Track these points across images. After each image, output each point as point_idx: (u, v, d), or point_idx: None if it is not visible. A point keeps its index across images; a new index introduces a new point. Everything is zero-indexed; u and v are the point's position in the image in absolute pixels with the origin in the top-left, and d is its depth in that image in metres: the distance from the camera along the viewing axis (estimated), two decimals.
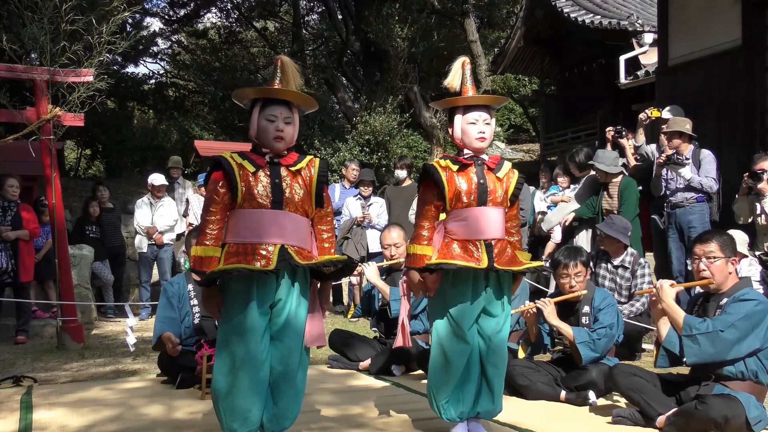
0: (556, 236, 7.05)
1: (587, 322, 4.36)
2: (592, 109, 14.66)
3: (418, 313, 5.13)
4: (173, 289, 4.90)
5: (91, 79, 6.65)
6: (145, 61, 24.21)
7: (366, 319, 6.39)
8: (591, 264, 4.95)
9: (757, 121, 7.28)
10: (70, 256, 7.13)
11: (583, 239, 6.46)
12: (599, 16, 13.39)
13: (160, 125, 21.88)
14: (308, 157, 3.21)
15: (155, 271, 8.96)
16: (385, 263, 5.45)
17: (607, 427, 3.70)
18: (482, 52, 18.65)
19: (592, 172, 6.59)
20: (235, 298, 3.01)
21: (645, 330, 5.35)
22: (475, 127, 3.30)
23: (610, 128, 7.00)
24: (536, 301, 4.50)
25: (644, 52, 12.26)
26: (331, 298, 8.48)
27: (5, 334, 7.18)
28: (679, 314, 3.56)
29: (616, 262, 5.57)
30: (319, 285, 3.28)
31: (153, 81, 23.04)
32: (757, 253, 5.60)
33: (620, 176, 6.38)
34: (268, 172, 3.06)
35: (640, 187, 6.44)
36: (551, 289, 5.59)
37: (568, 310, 4.43)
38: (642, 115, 6.79)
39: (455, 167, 3.29)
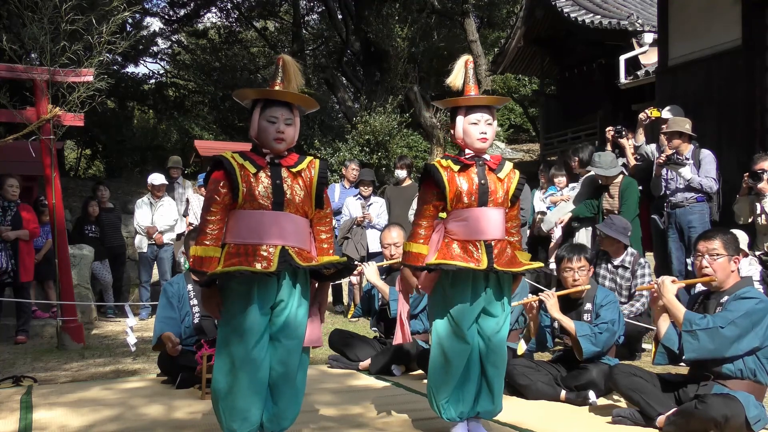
0: (557, 236, 7.04)
1: (589, 318, 4.37)
2: (592, 109, 14.66)
3: (417, 312, 5.13)
4: (173, 289, 4.90)
5: (91, 79, 6.65)
6: (145, 61, 24.27)
7: (366, 319, 6.39)
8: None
9: (757, 121, 7.29)
10: (70, 256, 7.13)
11: (583, 238, 6.46)
12: (599, 16, 13.39)
13: (160, 125, 21.89)
14: (308, 158, 3.20)
15: (155, 271, 8.96)
16: (385, 263, 5.45)
17: (607, 427, 3.70)
18: (482, 52, 18.66)
19: (592, 172, 6.60)
20: (235, 299, 3.01)
21: (645, 330, 5.35)
22: (477, 128, 3.30)
23: (610, 128, 7.00)
24: (539, 293, 4.52)
25: (644, 52, 12.26)
26: (330, 298, 8.51)
27: (5, 334, 7.18)
28: (680, 310, 3.57)
29: (616, 262, 5.57)
30: (317, 285, 3.28)
31: (153, 81, 23.07)
32: (757, 252, 5.61)
33: (620, 176, 6.38)
34: (269, 173, 3.06)
35: (640, 187, 6.44)
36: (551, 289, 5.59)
37: (570, 307, 4.45)
38: (642, 115, 6.79)
39: (456, 167, 3.29)
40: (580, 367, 4.25)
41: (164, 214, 8.74)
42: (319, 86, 20.80)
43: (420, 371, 5.02)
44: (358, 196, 8.31)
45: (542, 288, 6.14)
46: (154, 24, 31.51)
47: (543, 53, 16.56)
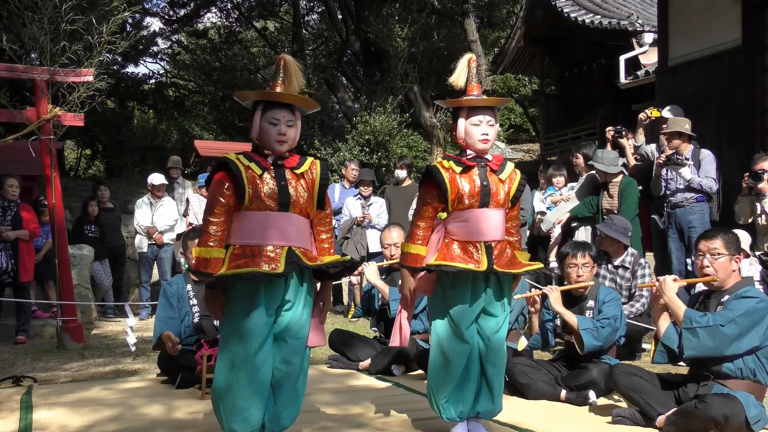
0: (556, 235, 7.04)
1: (591, 315, 4.39)
2: (592, 109, 14.66)
3: (417, 313, 5.13)
4: (172, 289, 4.91)
5: (91, 79, 6.65)
6: (145, 61, 24.26)
7: (366, 319, 6.39)
8: None
9: (757, 121, 7.28)
10: (70, 256, 7.13)
11: (582, 238, 6.46)
12: (599, 16, 13.39)
13: (160, 125, 21.89)
14: (309, 159, 3.21)
15: (155, 271, 8.97)
16: (385, 263, 5.45)
17: (607, 427, 3.70)
18: (482, 52, 18.65)
19: (592, 171, 6.60)
20: (240, 300, 3.01)
21: (645, 330, 5.35)
22: (479, 129, 3.29)
23: (610, 128, 7.00)
24: (543, 287, 4.53)
25: (644, 52, 12.26)
26: (331, 298, 8.50)
27: (5, 334, 7.18)
28: (681, 308, 3.58)
29: (617, 262, 5.57)
30: (319, 285, 3.28)
31: (153, 81, 23.07)
32: (758, 253, 5.60)
33: (620, 176, 6.39)
34: (274, 175, 3.07)
35: (640, 187, 6.44)
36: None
37: (573, 303, 4.47)
38: (642, 115, 6.79)
39: (459, 169, 3.28)
40: (581, 367, 4.25)
41: (164, 214, 8.75)
42: (319, 86, 20.80)
43: (420, 371, 5.02)
44: (358, 196, 8.31)
45: (541, 288, 6.14)
46: (154, 24, 31.55)
47: (543, 53, 16.56)
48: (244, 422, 3.02)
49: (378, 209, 8.19)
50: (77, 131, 16.03)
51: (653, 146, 6.69)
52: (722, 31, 7.74)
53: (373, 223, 8.06)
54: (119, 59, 19.67)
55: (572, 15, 13.68)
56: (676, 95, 8.11)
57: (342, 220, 8.21)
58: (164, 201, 8.81)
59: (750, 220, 5.81)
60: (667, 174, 6.29)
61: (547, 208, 7.40)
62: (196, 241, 4.75)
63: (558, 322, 4.50)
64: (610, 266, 5.58)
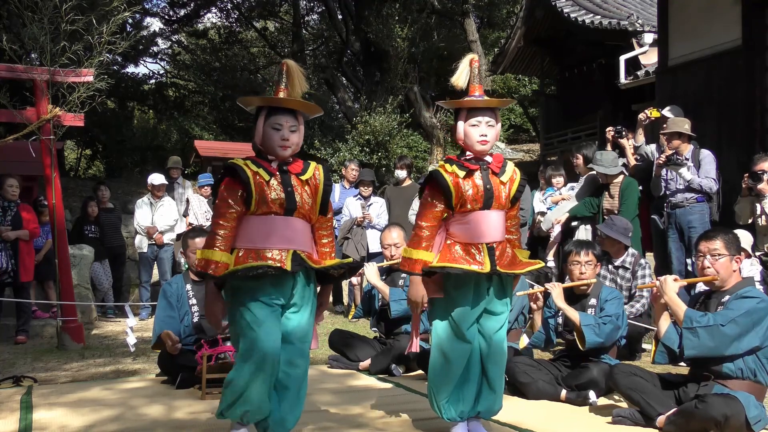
0: (555, 235, 7.04)
1: (593, 313, 4.40)
2: (592, 109, 14.66)
3: None
4: (172, 289, 4.91)
5: (91, 79, 6.65)
6: (145, 61, 24.23)
7: (366, 319, 6.39)
8: None
9: (757, 121, 7.28)
10: (70, 256, 7.13)
11: (582, 236, 6.46)
12: (599, 16, 13.39)
13: (160, 125, 21.89)
14: (312, 165, 3.24)
15: (155, 271, 8.96)
16: (385, 263, 5.45)
17: (607, 427, 3.70)
18: (482, 52, 18.65)
19: (593, 171, 6.60)
20: (247, 293, 3.00)
21: (645, 330, 5.35)
22: (477, 130, 3.28)
23: (610, 128, 7.00)
24: (545, 284, 4.54)
25: (644, 52, 12.25)
26: (330, 298, 8.50)
27: (5, 334, 7.18)
28: (681, 307, 3.58)
29: (617, 262, 5.57)
30: (320, 288, 3.30)
31: (153, 81, 23.08)
32: (758, 253, 5.60)
33: (621, 176, 6.39)
34: (280, 180, 3.09)
35: (640, 187, 6.44)
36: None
37: (575, 301, 4.47)
38: (641, 116, 6.79)
39: (462, 173, 3.26)
40: (581, 366, 4.25)
41: (164, 214, 8.75)
42: (319, 86, 20.79)
43: (420, 371, 5.02)
44: (358, 196, 8.31)
45: (543, 285, 6.15)
46: (154, 24, 31.52)
47: (543, 53, 16.55)
48: (256, 410, 3.05)
49: (378, 209, 8.19)
50: (77, 131, 16.03)
51: (653, 146, 6.69)
52: (722, 31, 7.74)
53: (373, 223, 8.06)
54: (119, 59, 19.67)
55: (572, 15, 13.68)
56: (676, 95, 8.10)
57: (342, 220, 8.21)
58: (164, 201, 8.81)
59: (750, 221, 5.80)
60: (667, 174, 6.29)
61: (548, 209, 7.40)
62: (197, 240, 4.83)
63: (560, 320, 4.51)
64: (610, 267, 5.58)
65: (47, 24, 6.23)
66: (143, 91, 21.81)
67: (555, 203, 7.38)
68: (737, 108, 7.58)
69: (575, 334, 4.27)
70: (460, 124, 3.32)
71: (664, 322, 3.66)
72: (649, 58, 11.79)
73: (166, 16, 22.31)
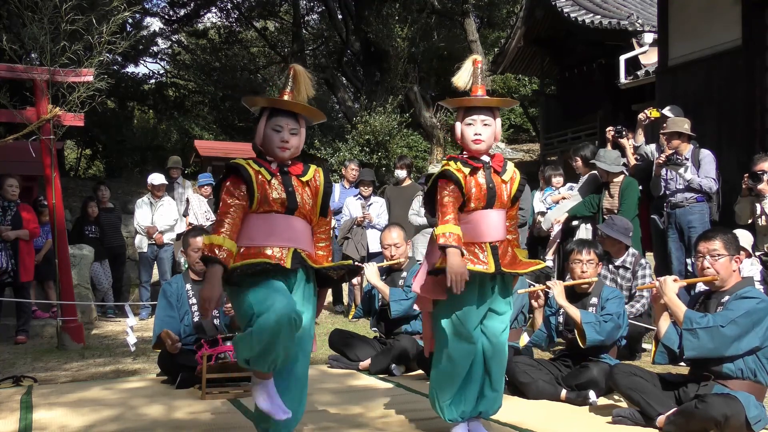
0: (555, 234, 7.04)
1: (594, 311, 4.40)
2: (592, 109, 14.65)
3: (418, 313, 5.12)
4: (171, 288, 4.91)
5: (91, 79, 6.65)
6: (145, 61, 24.27)
7: (366, 319, 6.40)
8: None
9: (757, 121, 7.28)
10: (70, 256, 7.13)
11: (583, 235, 6.46)
12: (599, 16, 13.39)
13: (160, 125, 21.89)
14: (312, 167, 3.25)
15: (155, 271, 8.96)
16: (385, 263, 5.45)
17: (607, 427, 3.70)
18: (482, 52, 18.64)
19: (593, 171, 6.60)
20: (253, 282, 2.93)
21: (645, 330, 5.35)
22: (472, 129, 3.28)
23: (610, 128, 7.00)
24: (546, 282, 4.54)
25: (644, 52, 12.25)
26: (330, 298, 8.50)
27: (5, 334, 7.18)
28: (681, 308, 3.58)
29: (617, 262, 5.57)
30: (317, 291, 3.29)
31: (153, 81, 23.08)
32: (758, 253, 5.60)
33: (621, 176, 6.39)
34: (281, 180, 3.10)
35: (640, 187, 6.44)
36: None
37: (577, 300, 4.48)
38: (641, 116, 6.79)
39: (467, 170, 3.27)
40: (581, 366, 4.25)
41: (164, 214, 8.75)
42: (319, 86, 20.79)
43: (420, 371, 5.02)
44: (358, 196, 8.31)
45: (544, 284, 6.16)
46: (154, 24, 31.51)
47: (543, 53, 16.54)
48: (273, 362, 2.94)
49: (378, 209, 8.19)
50: (77, 131, 16.04)
51: (653, 146, 6.69)
52: (722, 31, 7.74)
53: (373, 223, 8.06)
54: (119, 59, 19.68)
55: (572, 15, 13.68)
56: (676, 95, 8.10)
57: (342, 220, 8.21)
58: (164, 201, 8.81)
59: (750, 221, 5.80)
60: (666, 174, 6.29)
61: (548, 208, 7.40)
62: (198, 240, 4.84)
63: (560, 318, 4.51)
64: (610, 266, 5.59)
65: (47, 24, 6.23)
66: (143, 91, 21.81)
67: (555, 202, 7.38)
68: (737, 108, 7.58)
69: (576, 331, 4.27)
70: (458, 124, 3.33)
71: (664, 323, 3.67)
72: (649, 58, 11.79)
73: (166, 16, 22.33)
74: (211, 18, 24.73)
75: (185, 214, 8.94)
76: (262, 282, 2.95)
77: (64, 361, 5.95)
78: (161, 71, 24.14)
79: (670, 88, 8.48)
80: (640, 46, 12.37)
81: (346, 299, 8.68)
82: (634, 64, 12.49)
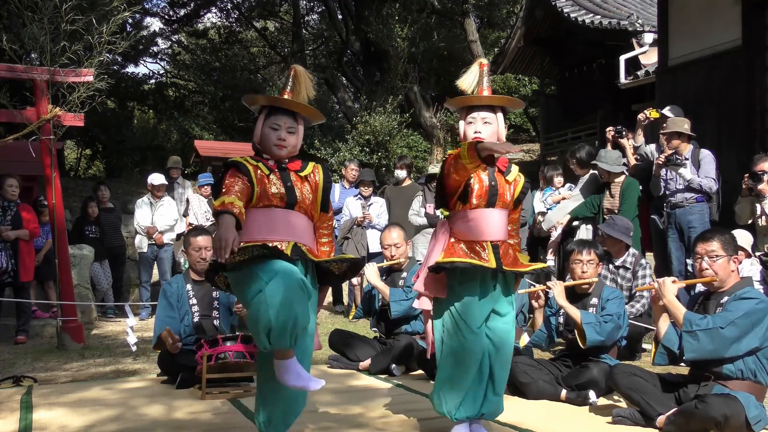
0: (556, 235, 7.04)
1: (594, 312, 4.40)
2: (592, 109, 14.66)
3: (418, 313, 5.12)
4: (172, 288, 4.91)
5: (91, 79, 6.65)
6: (145, 61, 24.25)
7: (366, 319, 6.40)
8: None
9: (757, 121, 7.28)
10: (70, 256, 7.13)
11: (584, 236, 6.46)
12: (599, 16, 13.39)
13: (160, 125, 21.88)
14: (311, 164, 3.25)
15: (155, 271, 8.96)
16: (385, 263, 5.45)
17: (607, 427, 3.70)
18: (482, 52, 18.63)
19: (593, 171, 6.60)
20: (255, 263, 2.87)
21: (645, 330, 5.35)
22: (472, 127, 3.29)
23: (610, 128, 7.00)
24: (546, 282, 4.54)
25: (644, 52, 12.25)
26: (330, 298, 8.50)
27: (5, 334, 7.18)
28: (680, 310, 3.58)
29: (618, 262, 5.57)
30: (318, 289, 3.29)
31: (153, 81, 23.07)
32: (758, 253, 5.60)
33: (622, 176, 6.39)
34: (279, 176, 3.10)
35: (641, 187, 6.44)
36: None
37: (577, 300, 4.48)
38: (641, 116, 6.79)
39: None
40: (581, 366, 4.25)
41: (164, 214, 8.75)
42: (319, 86, 20.79)
43: (420, 371, 5.02)
44: (358, 196, 8.31)
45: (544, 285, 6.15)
46: (154, 24, 31.53)
47: (543, 53, 16.55)
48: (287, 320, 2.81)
49: (378, 209, 8.19)
50: (77, 131, 16.04)
51: (653, 146, 6.69)
52: (722, 31, 7.74)
53: (373, 223, 8.06)
54: (119, 59, 19.67)
55: (572, 15, 13.68)
56: (676, 95, 8.11)
57: (342, 220, 8.21)
58: (164, 201, 8.82)
59: (750, 221, 5.80)
60: (666, 174, 6.29)
61: (548, 208, 7.40)
62: (198, 239, 4.85)
63: (561, 319, 4.51)
64: (611, 266, 5.59)
65: (47, 24, 6.23)
66: (143, 91, 21.81)
67: (555, 202, 7.38)
68: (737, 108, 7.59)
69: (576, 332, 4.27)
70: (461, 123, 3.34)
71: (664, 324, 3.67)
72: (649, 58, 11.79)
73: (166, 16, 22.33)
74: (211, 18, 24.77)
75: (185, 214, 8.94)
76: (265, 261, 2.88)
77: (64, 361, 5.95)
78: (161, 71, 24.17)
79: (670, 88, 8.48)
80: (640, 46, 12.38)
81: (346, 299, 8.68)
82: (634, 64, 12.50)
